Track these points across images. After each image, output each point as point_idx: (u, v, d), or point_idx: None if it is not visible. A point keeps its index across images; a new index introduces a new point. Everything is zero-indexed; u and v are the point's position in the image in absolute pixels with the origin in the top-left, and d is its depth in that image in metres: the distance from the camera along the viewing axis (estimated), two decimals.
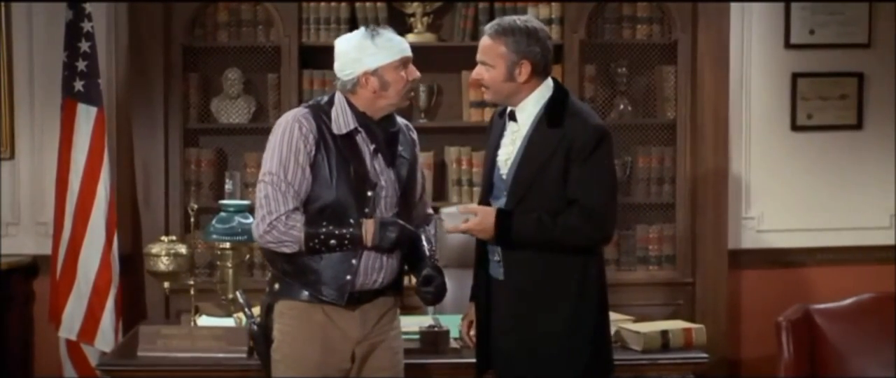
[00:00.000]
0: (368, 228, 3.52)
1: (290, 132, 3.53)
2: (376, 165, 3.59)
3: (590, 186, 3.54)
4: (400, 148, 3.66)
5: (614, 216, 3.63)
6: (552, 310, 3.58)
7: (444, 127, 5.66)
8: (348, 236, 3.51)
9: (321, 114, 3.57)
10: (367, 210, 3.56)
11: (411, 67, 3.60)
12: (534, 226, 3.54)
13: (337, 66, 3.60)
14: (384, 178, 3.60)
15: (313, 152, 3.53)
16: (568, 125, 3.57)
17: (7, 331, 5.47)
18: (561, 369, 3.58)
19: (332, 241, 3.50)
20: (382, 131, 3.60)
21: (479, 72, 3.63)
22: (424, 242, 3.72)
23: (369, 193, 3.56)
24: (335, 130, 3.55)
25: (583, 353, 3.60)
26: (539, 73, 3.61)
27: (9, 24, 5.54)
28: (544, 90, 3.63)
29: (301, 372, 3.59)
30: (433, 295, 3.65)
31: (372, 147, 3.59)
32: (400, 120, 3.71)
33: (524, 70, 3.58)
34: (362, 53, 3.54)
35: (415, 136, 3.76)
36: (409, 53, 3.60)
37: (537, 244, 3.55)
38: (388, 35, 3.57)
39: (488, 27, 3.63)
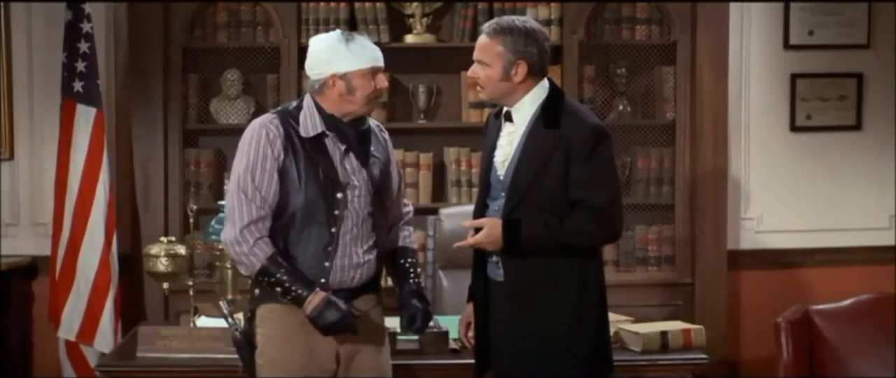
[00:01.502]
0: (313, 300, 3.51)
1: (257, 138, 3.55)
2: (348, 166, 3.59)
3: (594, 186, 3.55)
4: (372, 148, 3.67)
5: (621, 213, 3.63)
6: (552, 310, 3.58)
7: (443, 127, 5.66)
8: (294, 294, 3.51)
9: (289, 118, 3.58)
10: (336, 212, 3.56)
11: (380, 76, 3.60)
12: (542, 231, 3.54)
13: (307, 64, 3.61)
14: (357, 179, 3.60)
15: (281, 157, 3.54)
16: (565, 125, 3.57)
17: (6, 331, 5.47)
18: (561, 370, 3.58)
19: (278, 289, 3.52)
20: (353, 131, 3.61)
21: (475, 70, 3.64)
22: (407, 254, 3.74)
23: (339, 195, 3.56)
24: (302, 133, 3.56)
25: (583, 353, 3.60)
26: (535, 74, 3.61)
27: (8, 25, 5.54)
28: (540, 91, 3.63)
29: (286, 373, 3.59)
30: (416, 329, 3.70)
31: (343, 148, 3.59)
32: (371, 121, 3.72)
33: (520, 70, 3.58)
34: (334, 56, 3.55)
35: (387, 136, 3.77)
36: (380, 63, 3.60)
37: (546, 247, 3.56)
38: (363, 41, 3.58)
39: (486, 26, 3.64)
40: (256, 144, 3.54)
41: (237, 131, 5.51)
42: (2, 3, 5.52)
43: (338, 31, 3.61)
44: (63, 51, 5.29)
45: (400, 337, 4.01)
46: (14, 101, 5.57)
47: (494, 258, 3.66)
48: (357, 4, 5.52)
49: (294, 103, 3.65)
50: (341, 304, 3.51)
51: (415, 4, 5.60)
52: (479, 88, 3.68)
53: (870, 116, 5.79)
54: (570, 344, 3.58)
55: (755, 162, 5.76)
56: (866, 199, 5.79)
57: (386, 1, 5.55)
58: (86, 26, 5.27)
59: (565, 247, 3.56)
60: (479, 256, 3.72)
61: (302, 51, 5.41)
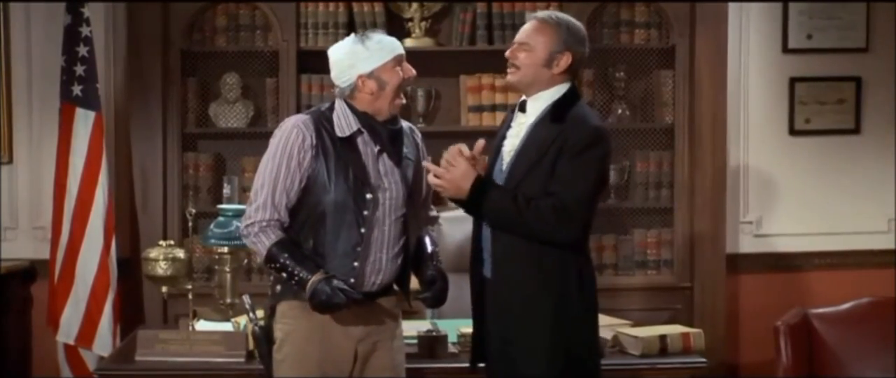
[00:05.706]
0: (312, 279, 3.53)
1: (287, 139, 3.58)
2: (381, 167, 3.62)
3: (570, 183, 3.50)
4: (405, 149, 3.68)
5: (584, 219, 3.55)
6: (534, 309, 3.54)
7: (442, 131, 5.65)
8: (298, 278, 3.54)
9: (322, 119, 3.61)
10: (366, 213, 3.57)
11: (406, 65, 3.65)
12: (508, 203, 3.51)
13: (333, 74, 3.64)
14: (389, 180, 3.62)
15: (310, 158, 3.56)
16: (569, 122, 3.56)
17: (5, 335, 5.47)
18: (542, 369, 3.55)
19: (284, 274, 3.57)
20: (386, 130, 3.63)
21: (514, 52, 3.62)
22: (428, 244, 3.76)
23: (369, 196, 3.58)
24: (338, 133, 3.59)
25: (560, 353, 3.55)
26: (571, 72, 3.63)
27: (7, 29, 5.55)
28: (561, 89, 3.63)
29: (303, 371, 3.60)
30: (432, 299, 3.69)
31: (376, 148, 3.62)
32: (404, 122, 3.74)
33: (563, 62, 3.59)
34: (356, 58, 3.59)
35: (419, 138, 3.79)
36: (401, 51, 3.64)
37: (504, 220, 3.53)
38: (378, 37, 3.63)
39: (540, 13, 3.66)
40: (285, 144, 3.57)
41: (236, 135, 5.60)
42: (1, 6, 5.52)
43: (352, 36, 3.65)
44: (62, 54, 5.30)
45: (414, 299, 3.92)
46: (13, 105, 5.58)
47: (486, 254, 3.65)
48: (356, 7, 5.52)
49: (326, 105, 3.68)
50: (340, 283, 3.52)
51: (414, 7, 5.60)
52: (511, 69, 3.65)
53: (868, 120, 5.79)
54: (552, 344, 3.54)
55: (754, 165, 5.76)
56: (865, 203, 5.79)
57: (385, 3, 5.55)
58: (85, 30, 5.27)
59: (523, 227, 3.51)
60: (476, 254, 3.71)
61: (301, 54, 5.47)
